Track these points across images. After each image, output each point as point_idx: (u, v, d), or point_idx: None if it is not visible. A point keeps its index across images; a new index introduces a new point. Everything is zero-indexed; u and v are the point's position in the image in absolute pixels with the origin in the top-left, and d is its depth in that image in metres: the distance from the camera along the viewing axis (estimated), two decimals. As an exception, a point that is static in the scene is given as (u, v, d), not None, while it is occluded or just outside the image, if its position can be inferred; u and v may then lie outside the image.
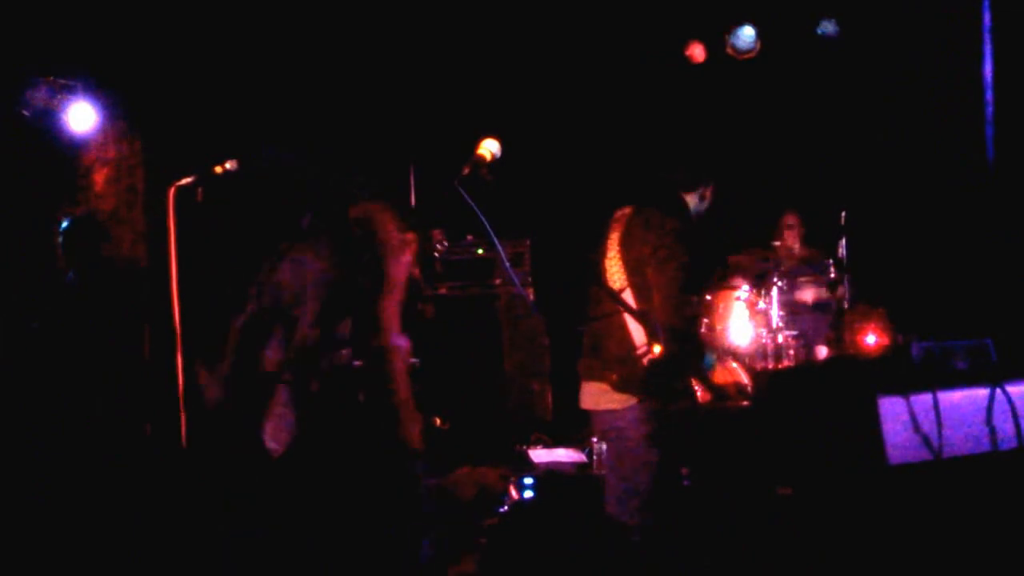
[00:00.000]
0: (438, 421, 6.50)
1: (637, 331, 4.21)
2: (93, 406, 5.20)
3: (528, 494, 5.78)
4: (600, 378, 4.35)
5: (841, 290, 6.70)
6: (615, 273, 4.40)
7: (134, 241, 6.08)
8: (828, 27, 7.20)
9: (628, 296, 4.31)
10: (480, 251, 7.42)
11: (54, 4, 5.54)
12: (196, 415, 4.50)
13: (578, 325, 4.63)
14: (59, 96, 5.59)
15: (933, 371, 4.40)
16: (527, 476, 5.81)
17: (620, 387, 4.29)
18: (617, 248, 4.44)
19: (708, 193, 4.56)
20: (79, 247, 5.32)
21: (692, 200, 4.53)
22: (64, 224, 5.30)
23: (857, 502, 4.38)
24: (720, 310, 6.71)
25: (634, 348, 4.24)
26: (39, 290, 5.40)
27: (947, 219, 6.20)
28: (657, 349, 3.66)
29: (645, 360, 4.19)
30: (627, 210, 4.60)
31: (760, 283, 6.75)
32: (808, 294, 7.09)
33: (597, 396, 4.38)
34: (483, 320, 7.46)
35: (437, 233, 7.27)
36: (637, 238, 4.36)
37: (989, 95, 5.81)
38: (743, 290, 6.66)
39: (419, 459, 4.10)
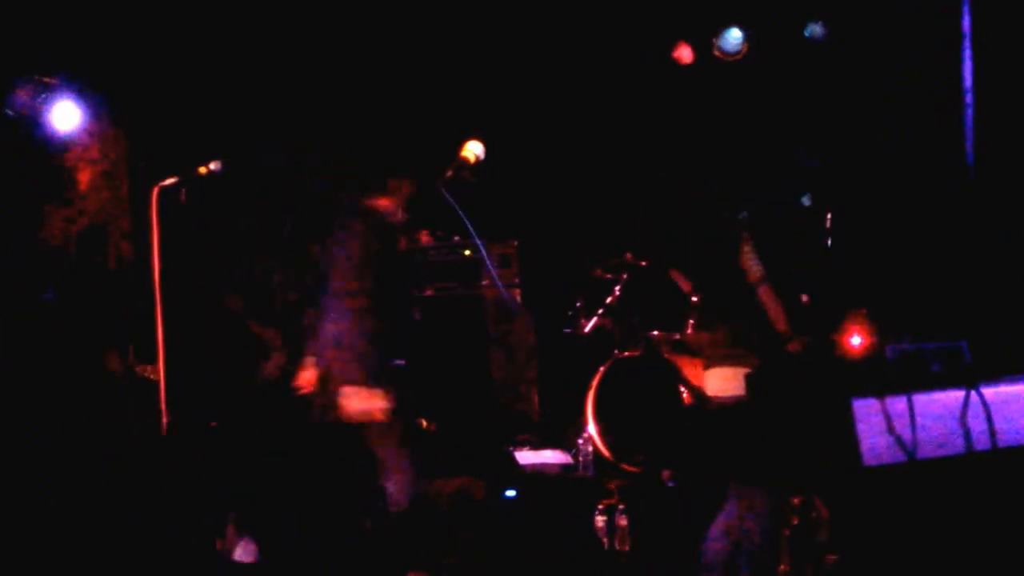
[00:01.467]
0: (424, 423, 6.52)
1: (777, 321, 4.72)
2: (75, 408, 5.23)
3: (510, 499, 5.79)
4: (741, 364, 4.60)
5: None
6: (753, 268, 4.81)
7: (120, 241, 6.08)
8: (815, 30, 7.21)
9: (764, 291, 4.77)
10: (467, 252, 7.43)
11: (37, 3, 5.54)
12: (178, 412, 4.53)
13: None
14: (43, 96, 5.60)
15: (908, 373, 4.42)
16: (509, 489, 5.82)
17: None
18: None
19: None
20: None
21: None
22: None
23: (832, 504, 4.40)
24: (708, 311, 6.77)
25: (779, 336, 4.68)
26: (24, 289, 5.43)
27: (926, 222, 6.22)
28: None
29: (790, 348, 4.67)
30: None
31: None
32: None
33: (731, 381, 4.61)
34: (470, 321, 7.47)
35: (424, 234, 7.28)
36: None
37: (968, 99, 5.84)
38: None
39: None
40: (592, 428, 6.78)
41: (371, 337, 4.22)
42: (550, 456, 6.76)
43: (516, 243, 7.64)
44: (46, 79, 5.63)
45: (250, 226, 4.75)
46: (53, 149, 5.84)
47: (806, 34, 7.25)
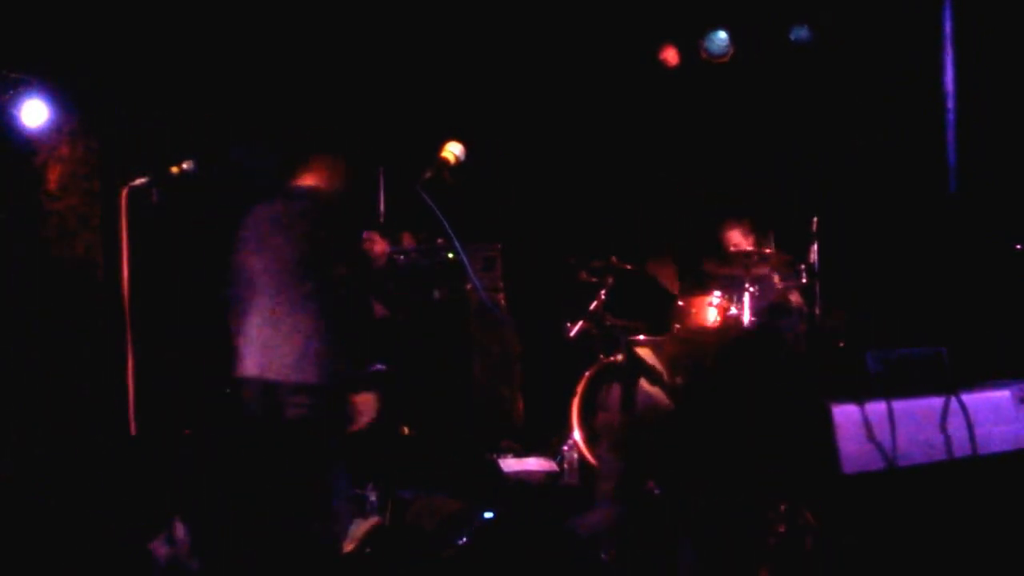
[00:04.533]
0: (405, 429, 6.45)
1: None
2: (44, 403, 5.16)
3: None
4: None
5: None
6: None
7: (89, 240, 6.00)
8: (801, 33, 7.17)
9: None
10: (450, 255, 7.36)
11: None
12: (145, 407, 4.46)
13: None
14: (11, 91, 5.53)
15: (888, 380, 4.38)
16: (486, 511, 5.69)
17: None
18: None
19: None
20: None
21: None
22: None
23: (811, 511, 4.34)
24: (693, 315, 6.74)
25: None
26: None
27: (907, 227, 6.18)
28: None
29: None
30: None
31: (731, 288, 6.73)
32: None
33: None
34: (452, 325, 7.41)
35: (406, 236, 7.21)
36: None
37: (951, 103, 5.79)
38: (715, 295, 6.67)
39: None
40: (577, 434, 6.72)
41: (318, 334, 3.98)
42: (534, 463, 6.69)
43: (499, 246, 7.58)
44: (14, 74, 5.56)
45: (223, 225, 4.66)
46: (21, 146, 5.76)
47: (791, 37, 7.21)
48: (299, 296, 3.94)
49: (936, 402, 4.33)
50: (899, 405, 4.32)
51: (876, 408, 4.30)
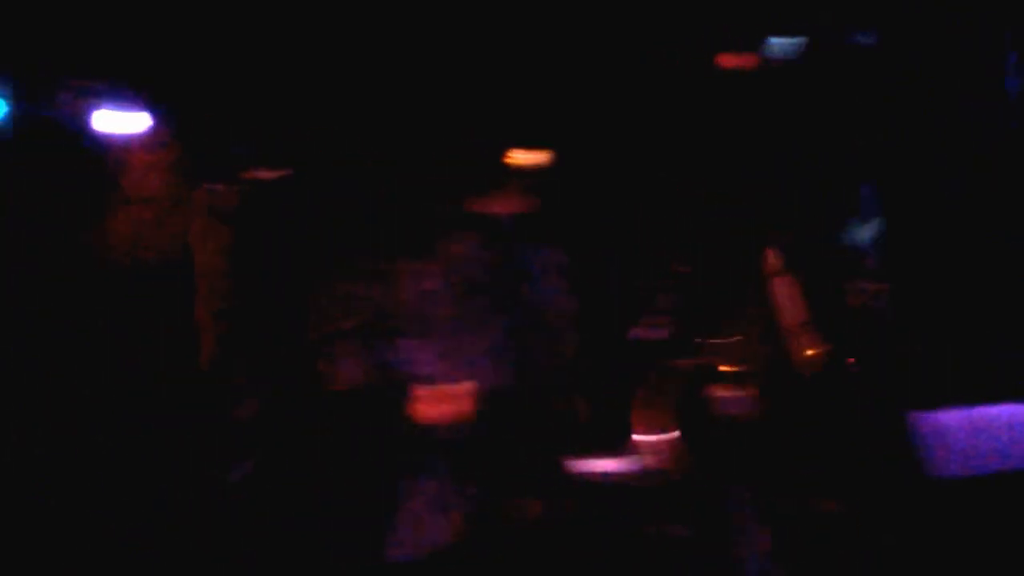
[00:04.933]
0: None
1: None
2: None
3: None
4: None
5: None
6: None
7: (171, 245, 6.08)
8: (864, 38, 7.13)
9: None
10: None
11: (87, 6, 5.53)
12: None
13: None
14: (90, 99, 5.62)
15: (970, 385, 4.37)
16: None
17: None
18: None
19: None
20: None
21: None
22: None
23: (895, 518, 4.34)
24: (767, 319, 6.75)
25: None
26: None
27: (984, 229, 6.12)
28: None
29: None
30: None
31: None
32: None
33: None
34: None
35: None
36: None
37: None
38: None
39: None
40: (650, 435, 6.73)
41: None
42: (610, 464, 6.70)
43: (570, 248, 7.55)
44: (93, 83, 5.65)
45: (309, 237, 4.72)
46: (102, 153, 5.85)
47: (854, 40, 7.18)
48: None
49: (1020, 408, 4.32)
50: (981, 412, 4.32)
51: (958, 415, 4.30)
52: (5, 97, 5.38)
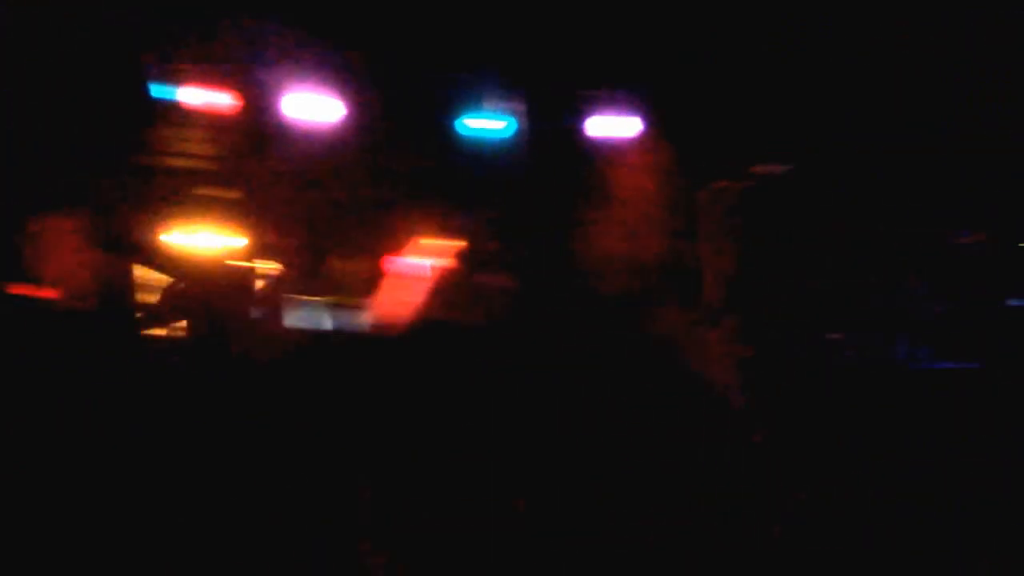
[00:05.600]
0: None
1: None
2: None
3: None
4: None
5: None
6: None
7: (664, 244, 6.21)
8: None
9: None
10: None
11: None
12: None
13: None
14: (590, 107, 5.86)
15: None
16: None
17: None
18: None
19: None
20: None
21: None
22: None
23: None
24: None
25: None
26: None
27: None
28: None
29: None
30: None
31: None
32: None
33: None
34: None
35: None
36: None
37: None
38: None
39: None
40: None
41: None
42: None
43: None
44: (591, 91, 5.88)
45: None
46: (598, 157, 6.08)
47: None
48: None
49: None
50: None
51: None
52: (515, 115, 5.77)
